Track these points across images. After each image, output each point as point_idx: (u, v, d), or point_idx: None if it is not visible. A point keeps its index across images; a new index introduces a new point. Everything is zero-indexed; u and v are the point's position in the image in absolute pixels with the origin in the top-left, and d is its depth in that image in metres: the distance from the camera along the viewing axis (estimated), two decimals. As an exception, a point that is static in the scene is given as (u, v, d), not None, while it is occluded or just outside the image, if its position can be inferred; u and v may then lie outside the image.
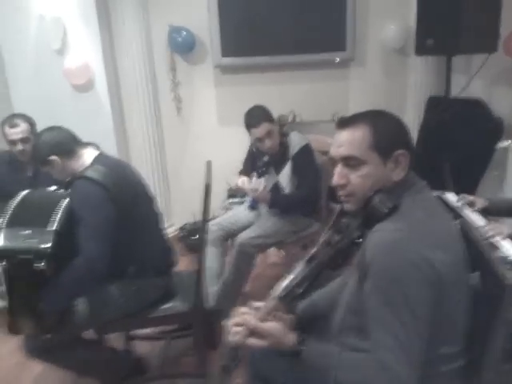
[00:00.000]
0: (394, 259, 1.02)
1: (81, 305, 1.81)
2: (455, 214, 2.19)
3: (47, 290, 1.69)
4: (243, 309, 1.12)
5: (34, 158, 2.05)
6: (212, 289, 2.51)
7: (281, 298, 1.10)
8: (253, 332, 1.06)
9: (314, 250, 1.13)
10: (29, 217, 1.71)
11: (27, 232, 1.64)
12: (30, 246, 1.61)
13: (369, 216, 1.12)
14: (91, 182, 1.73)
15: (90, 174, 1.75)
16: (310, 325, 1.27)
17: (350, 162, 1.14)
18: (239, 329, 1.07)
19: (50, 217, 1.69)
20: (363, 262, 1.08)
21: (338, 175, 1.17)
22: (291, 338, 1.08)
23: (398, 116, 1.20)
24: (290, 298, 1.12)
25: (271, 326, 1.07)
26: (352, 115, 1.21)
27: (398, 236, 1.05)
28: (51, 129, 1.90)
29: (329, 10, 3.27)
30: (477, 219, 2.07)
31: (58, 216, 1.70)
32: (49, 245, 1.61)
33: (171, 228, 3.74)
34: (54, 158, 1.82)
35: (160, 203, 3.35)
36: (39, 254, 1.61)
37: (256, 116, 2.52)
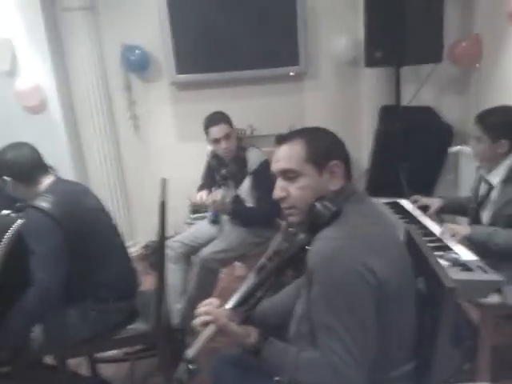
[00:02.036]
0: (334, 267, 1.06)
1: (37, 331, 1.78)
2: (411, 219, 2.27)
3: (1, 324, 1.64)
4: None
5: None
6: (176, 306, 2.49)
7: (233, 309, 1.13)
8: (220, 329, 1.11)
9: (263, 261, 1.16)
10: None
11: None
12: None
13: (312, 222, 1.17)
14: (38, 212, 1.70)
15: (39, 204, 1.72)
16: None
17: (288, 174, 1.22)
18: (206, 316, 1.12)
19: None
20: (307, 269, 1.13)
21: (279, 188, 1.24)
22: (253, 337, 1.13)
23: (332, 131, 1.28)
24: (242, 309, 1.14)
25: (238, 327, 1.12)
26: (289, 132, 1.29)
27: (338, 244, 1.09)
28: (19, 147, 1.83)
29: (281, 25, 3.35)
30: (432, 225, 2.15)
31: (2, 248, 1.68)
32: None
33: (135, 247, 3.70)
34: (8, 179, 1.79)
35: (122, 222, 3.30)
36: None
37: (216, 117, 2.57)
